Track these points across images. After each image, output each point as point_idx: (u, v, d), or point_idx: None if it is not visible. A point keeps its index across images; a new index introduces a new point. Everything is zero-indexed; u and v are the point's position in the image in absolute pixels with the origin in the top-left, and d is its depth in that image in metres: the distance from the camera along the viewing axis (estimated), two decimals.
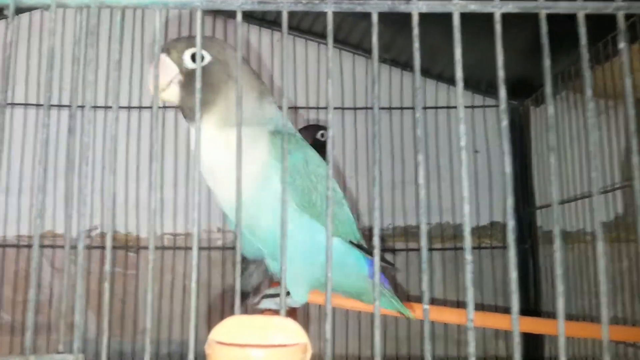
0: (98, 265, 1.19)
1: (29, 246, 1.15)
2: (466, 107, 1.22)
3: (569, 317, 1.03)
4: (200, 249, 1.19)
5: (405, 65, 1.23)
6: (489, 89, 1.22)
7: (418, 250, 1.23)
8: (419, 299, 1.16)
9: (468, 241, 0.30)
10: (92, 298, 1.17)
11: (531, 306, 1.17)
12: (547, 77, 0.31)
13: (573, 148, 0.99)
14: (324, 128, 0.97)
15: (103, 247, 1.19)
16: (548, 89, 0.31)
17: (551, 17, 0.36)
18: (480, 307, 1.16)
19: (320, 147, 0.96)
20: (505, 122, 0.32)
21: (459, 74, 0.31)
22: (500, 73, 0.31)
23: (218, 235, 1.21)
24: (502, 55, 0.32)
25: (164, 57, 0.53)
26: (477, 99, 1.24)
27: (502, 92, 0.32)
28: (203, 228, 1.20)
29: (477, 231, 1.23)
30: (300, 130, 1.06)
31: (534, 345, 1.15)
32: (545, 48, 0.31)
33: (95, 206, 1.17)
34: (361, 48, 1.23)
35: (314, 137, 0.95)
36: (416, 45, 0.32)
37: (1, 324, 1.15)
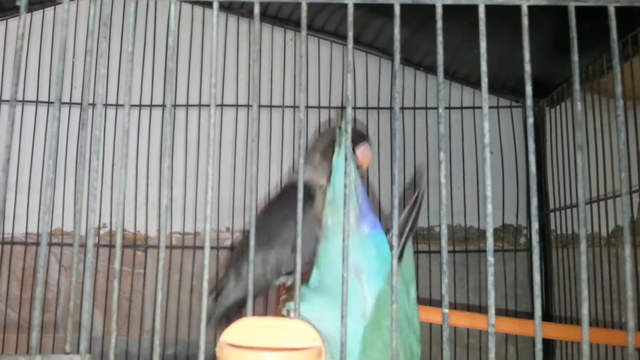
0: (106, 263, 1.18)
1: (37, 244, 1.15)
2: (479, 107, 1.21)
3: (577, 322, 1.01)
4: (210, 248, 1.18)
5: (419, 65, 1.22)
6: (503, 90, 1.20)
7: (428, 252, 1.22)
8: (427, 302, 1.14)
9: (490, 242, 0.29)
10: (99, 296, 1.16)
11: (542, 310, 1.15)
12: (576, 73, 0.30)
13: (590, 150, 0.97)
14: (364, 138, 0.91)
15: (111, 246, 1.18)
16: (577, 85, 0.30)
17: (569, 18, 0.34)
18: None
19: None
20: (531, 120, 0.31)
21: (483, 67, 0.30)
22: (527, 67, 0.30)
23: (227, 235, 1.20)
24: (528, 49, 0.31)
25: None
26: (490, 100, 1.22)
27: (529, 89, 0.30)
28: (212, 227, 1.19)
29: None
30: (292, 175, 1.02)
31: (545, 351, 1.13)
32: (574, 42, 0.29)
33: (104, 204, 1.17)
34: (374, 47, 1.22)
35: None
36: (440, 38, 0.31)
37: (8, 322, 1.15)
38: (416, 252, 1.19)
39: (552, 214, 1.15)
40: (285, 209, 0.80)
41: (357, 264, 0.48)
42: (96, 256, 1.17)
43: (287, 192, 0.86)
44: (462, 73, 1.20)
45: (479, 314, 0.74)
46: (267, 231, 0.80)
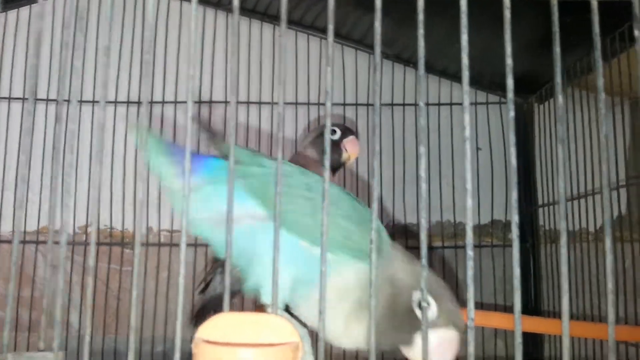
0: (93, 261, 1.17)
1: (24, 242, 1.13)
2: (470, 104, 1.21)
3: (571, 316, 1.01)
4: (197, 245, 1.17)
5: (408, 61, 1.21)
6: (492, 86, 1.20)
7: (417, 248, 1.21)
8: None
9: (470, 236, 0.29)
10: (86, 295, 1.15)
11: (531, 305, 1.16)
12: (557, 67, 0.30)
13: (577, 146, 0.97)
14: (337, 126, 0.94)
15: (99, 243, 1.17)
16: (558, 78, 0.30)
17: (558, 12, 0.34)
18: (479, 305, 1.15)
19: (334, 146, 0.93)
20: (512, 113, 0.30)
21: (464, 60, 0.29)
22: (509, 61, 0.29)
23: None
24: (510, 43, 0.30)
25: None
26: (479, 96, 1.22)
27: (510, 82, 0.30)
28: None
29: (477, 229, 1.22)
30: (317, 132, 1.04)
31: (533, 345, 1.14)
32: (556, 36, 0.29)
33: (90, 201, 1.15)
34: (363, 43, 1.21)
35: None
36: (421, 31, 0.30)
37: None
38: (406, 248, 1.19)
39: (540, 210, 1.15)
40: None
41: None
42: (83, 254, 1.16)
43: None
44: (452, 69, 1.20)
45: (461, 309, 0.74)
46: None
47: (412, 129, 1.20)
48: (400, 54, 1.20)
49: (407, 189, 1.18)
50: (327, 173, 0.31)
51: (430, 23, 0.34)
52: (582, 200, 0.98)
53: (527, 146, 1.18)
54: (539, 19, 0.83)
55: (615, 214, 0.92)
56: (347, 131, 0.94)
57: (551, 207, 1.11)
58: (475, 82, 1.19)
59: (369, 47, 1.21)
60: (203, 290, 0.86)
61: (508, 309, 1.17)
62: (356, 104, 1.21)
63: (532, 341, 1.13)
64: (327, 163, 0.31)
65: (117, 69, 1.18)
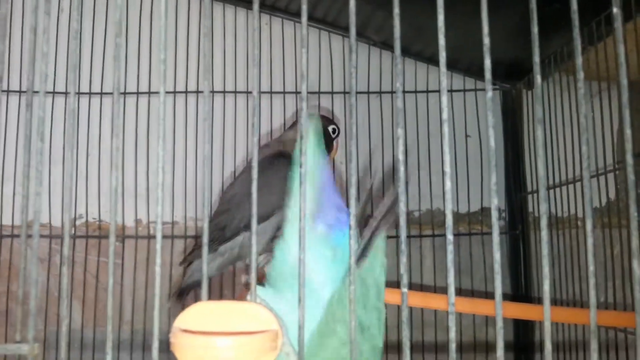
0: (83, 254, 1.16)
1: (13, 236, 1.12)
2: (457, 90, 1.20)
3: (559, 302, 1.02)
4: (187, 237, 1.17)
5: (384, 44, 1.19)
6: (481, 72, 1.19)
7: (408, 237, 1.22)
8: (418, 287, 1.15)
9: (449, 219, 0.28)
10: (77, 288, 1.14)
11: (521, 292, 1.16)
12: (535, 45, 0.29)
13: (565, 132, 0.97)
14: (334, 123, 0.98)
15: (88, 236, 1.16)
16: (536, 57, 0.29)
17: None
18: (470, 293, 1.15)
19: (329, 141, 0.96)
20: (489, 94, 0.30)
21: (441, 41, 0.29)
22: (486, 41, 0.29)
23: (201, 224, 1.19)
24: (487, 21, 0.30)
25: None
26: (468, 83, 1.21)
27: (487, 62, 0.30)
28: (190, 215, 1.18)
29: (467, 217, 1.22)
30: (265, 146, 1.04)
31: (524, 331, 1.14)
32: (533, 13, 0.29)
33: (80, 195, 1.14)
34: (338, 26, 1.19)
35: (325, 129, 0.94)
36: (396, 10, 0.30)
37: None
38: (396, 237, 1.19)
39: (529, 196, 1.16)
40: (271, 179, 0.78)
41: (310, 265, 0.45)
42: (72, 247, 1.15)
43: (270, 162, 0.85)
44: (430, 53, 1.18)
45: (441, 295, 0.74)
46: (242, 210, 0.82)
47: (392, 116, 1.19)
48: (374, 36, 1.17)
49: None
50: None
51: (406, 7, 0.33)
52: (571, 186, 0.98)
53: (515, 132, 1.18)
54: (525, 3, 0.82)
55: (604, 200, 0.92)
56: (337, 129, 0.98)
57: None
58: (463, 69, 1.19)
59: (344, 30, 1.19)
60: (187, 267, 0.89)
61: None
62: (332, 92, 1.19)
63: (523, 327, 1.14)
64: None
65: (90, 58, 1.16)
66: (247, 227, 0.80)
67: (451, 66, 1.18)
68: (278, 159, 0.84)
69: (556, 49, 0.98)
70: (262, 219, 0.80)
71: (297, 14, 1.19)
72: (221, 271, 0.91)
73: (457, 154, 1.18)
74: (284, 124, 1.18)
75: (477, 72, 1.19)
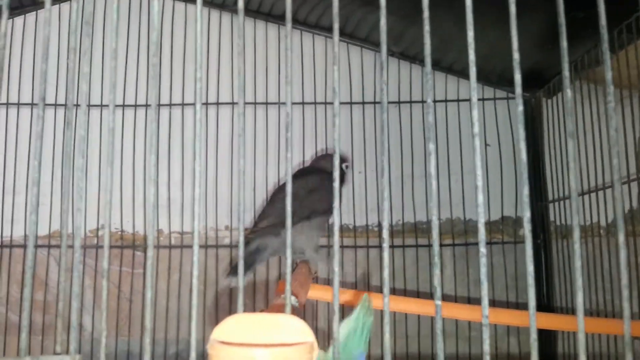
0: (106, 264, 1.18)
1: (36, 246, 1.15)
2: (477, 99, 1.20)
3: (584, 312, 1.00)
4: (208, 247, 1.18)
5: (414, 58, 1.21)
6: (500, 81, 1.19)
7: (428, 246, 1.22)
8: (428, 295, 1.14)
9: (482, 233, 0.29)
10: (98, 298, 1.16)
11: (544, 302, 1.15)
12: (565, 60, 0.29)
13: (587, 140, 0.96)
14: (346, 160, 1.06)
15: (110, 246, 1.18)
16: (566, 72, 0.29)
17: (565, 4, 0.34)
18: (491, 303, 1.14)
19: (342, 177, 1.03)
20: (520, 107, 0.30)
21: (471, 57, 0.29)
22: (516, 56, 0.29)
23: (226, 233, 1.20)
24: (517, 37, 0.30)
25: None
26: (487, 92, 1.21)
27: (517, 76, 0.30)
28: (210, 226, 1.19)
29: (488, 226, 1.21)
30: (320, 158, 1.08)
31: (547, 342, 1.13)
32: (562, 28, 0.29)
33: (101, 205, 1.16)
34: (369, 41, 1.21)
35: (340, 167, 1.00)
36: (427, 28, 0.30)
37: (9, 325, 1.15)
38: (416, 246, 1.19)
39: (550, 205, 1.15)
40: (323, 185, 0.98)
41: None
42: (95, 257, 1.17)
43: (321, 173, 1.02)
44: (459, 66, 1.19)
45: (474, 306, 0.74)
46: (306, 202, 0.94)
47: (420, 125, 1.20)
48: (406, 51, 1.20)
49: (416, 185, 1.18)
50: (336, 173, 0.31)
51: (435, 19, 0.33)
52: (593, 195, 0.97)
53: (535, 141, 1.18)
54: (546, 13, 0.82)
55: (627, 208, 0.91)
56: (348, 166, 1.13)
57: (562, 202, 1.10)
58: (483, 78, 1.19)
59: (375, 45, 1.21)
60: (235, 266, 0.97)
61: (520, 305, 1.17)
62: (363, 102, 1.21)
63: (546, 338, 1.13)
64: (336, 161, 0.31)
65: (125, 73, 1.19)
66: (307, 217, 0.94)
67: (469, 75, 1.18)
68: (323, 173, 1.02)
69: (577, 57, 0.97)
70: (318, 214, 0.95)
71: (327, 29, 1.22)
72: (274, 255, 0.99)
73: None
74: (315, 134, 1.20)
75: (496, 81, 1.19)
